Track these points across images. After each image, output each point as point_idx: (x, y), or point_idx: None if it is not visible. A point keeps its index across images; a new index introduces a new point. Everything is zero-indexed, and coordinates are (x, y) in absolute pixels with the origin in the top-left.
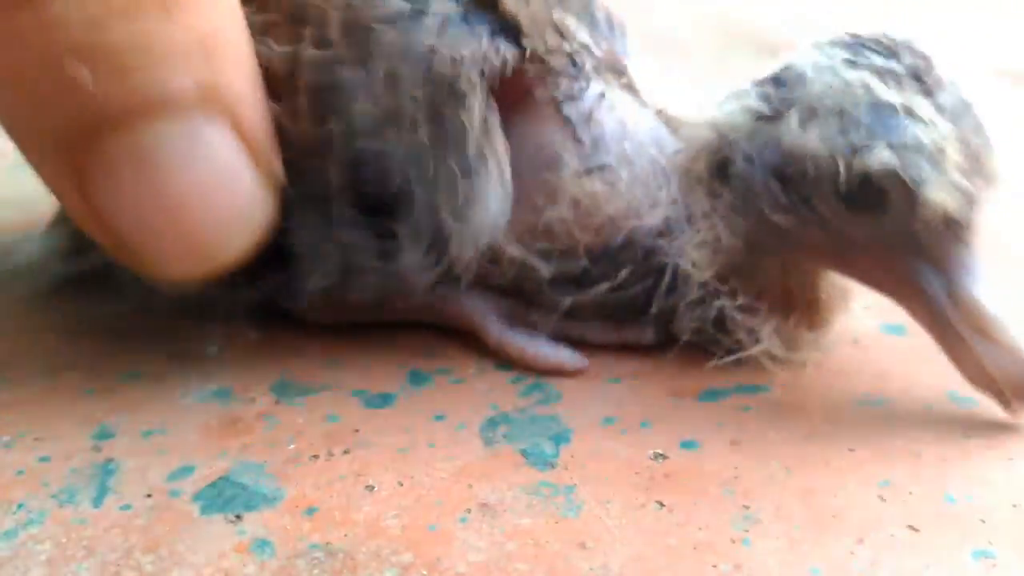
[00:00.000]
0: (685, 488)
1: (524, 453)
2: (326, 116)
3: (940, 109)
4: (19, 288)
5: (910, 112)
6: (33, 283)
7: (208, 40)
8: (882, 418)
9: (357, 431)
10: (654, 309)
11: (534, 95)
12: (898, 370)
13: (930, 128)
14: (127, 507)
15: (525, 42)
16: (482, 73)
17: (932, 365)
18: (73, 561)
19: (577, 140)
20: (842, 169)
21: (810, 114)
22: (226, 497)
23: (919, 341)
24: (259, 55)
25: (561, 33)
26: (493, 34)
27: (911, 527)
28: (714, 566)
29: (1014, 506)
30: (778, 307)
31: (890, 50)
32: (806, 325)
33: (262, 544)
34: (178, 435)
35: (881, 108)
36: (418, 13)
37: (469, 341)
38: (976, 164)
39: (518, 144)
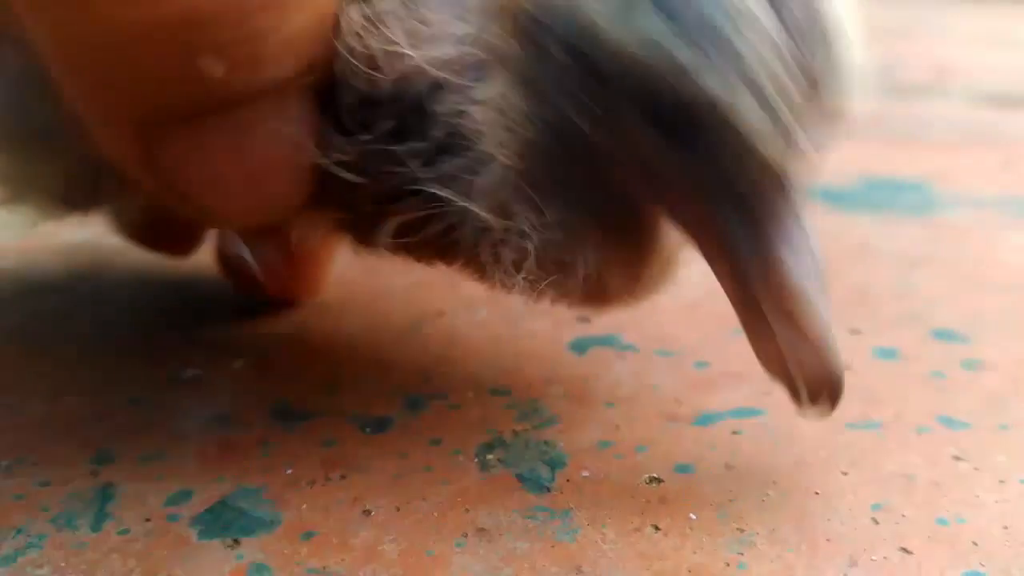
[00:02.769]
0: (680, 512)
1: (520, 478)
2: None
3: (787, 25)
4: (18, 313)
5: (742, 26)
6: (32, 307)
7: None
8: (875, 442)
9: (354, 456)
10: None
11: None
12: (890, 394)
13: (772, 57)
14: (126, 531)
15: None
16: None
17: (924, 389)
18: None
19: None
20: (663, 89)
21: None
22: (224, 522)
23: (911, 366)
24: None
25: None
26: None
27: (904, 549)
28: None
29: (1005, 528)
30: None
31: None
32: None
33: (260, 568)
34: (176, 460)
35: (718, 10)
36: None
37: (468, 366)
38: (815, 99)
39: None
